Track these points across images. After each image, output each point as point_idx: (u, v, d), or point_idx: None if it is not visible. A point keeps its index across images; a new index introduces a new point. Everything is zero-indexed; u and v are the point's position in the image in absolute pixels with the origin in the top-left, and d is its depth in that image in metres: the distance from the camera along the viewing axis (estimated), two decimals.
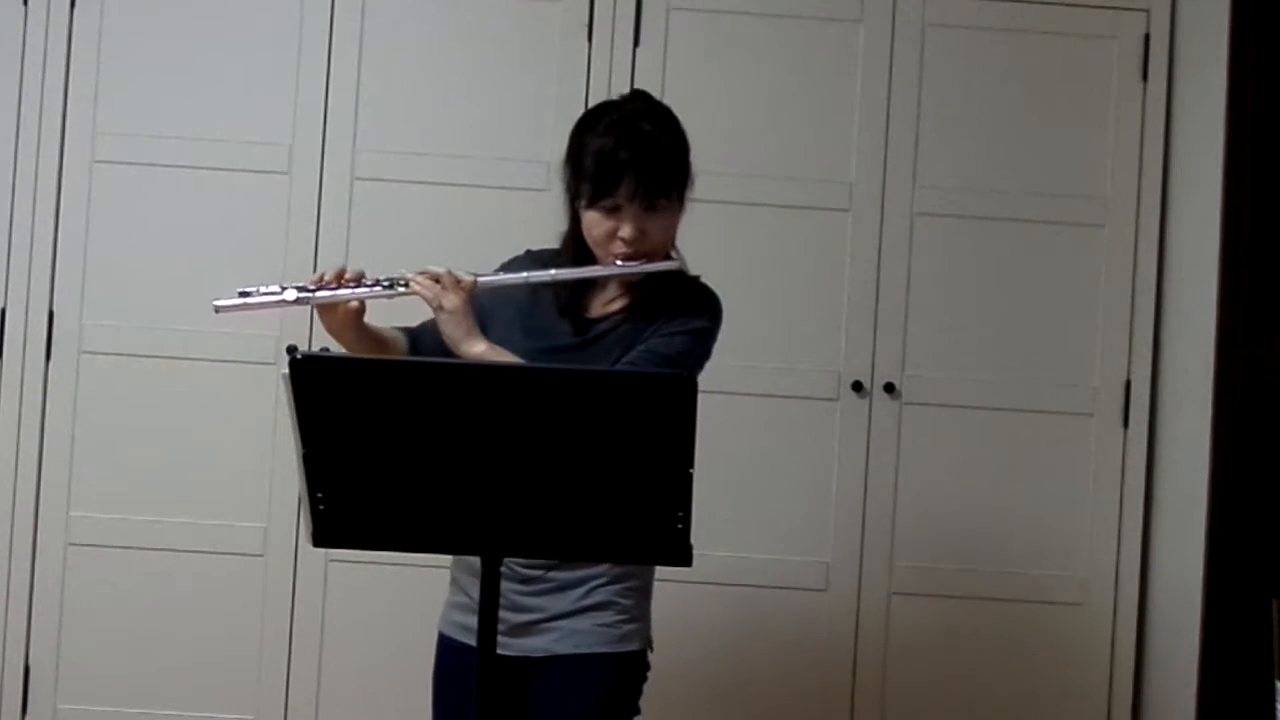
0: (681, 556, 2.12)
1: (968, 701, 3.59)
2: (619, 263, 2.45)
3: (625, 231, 2.43)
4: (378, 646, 3.55)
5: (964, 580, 3.59)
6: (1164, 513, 3.62)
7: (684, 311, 2.48)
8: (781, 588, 3.57)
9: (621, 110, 2.48)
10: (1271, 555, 3.54)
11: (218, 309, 2.45)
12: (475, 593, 2.47)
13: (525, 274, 2.49)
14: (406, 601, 3.53)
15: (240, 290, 2.44)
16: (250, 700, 3.55)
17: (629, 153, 2.40)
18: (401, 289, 2.43)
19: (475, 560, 2.46)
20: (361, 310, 2.46)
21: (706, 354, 2.52)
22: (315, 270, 3.53)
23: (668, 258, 2.50)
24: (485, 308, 2.52)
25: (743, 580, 3.54)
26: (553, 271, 2.49)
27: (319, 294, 2.42)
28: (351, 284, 2.43)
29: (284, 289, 2.43)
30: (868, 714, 3.57)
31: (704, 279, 2.58)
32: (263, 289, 2.44)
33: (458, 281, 2.42)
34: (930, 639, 3.59)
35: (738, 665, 3.54)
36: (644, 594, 2.54)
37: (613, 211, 2.43)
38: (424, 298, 2.42)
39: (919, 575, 3.59)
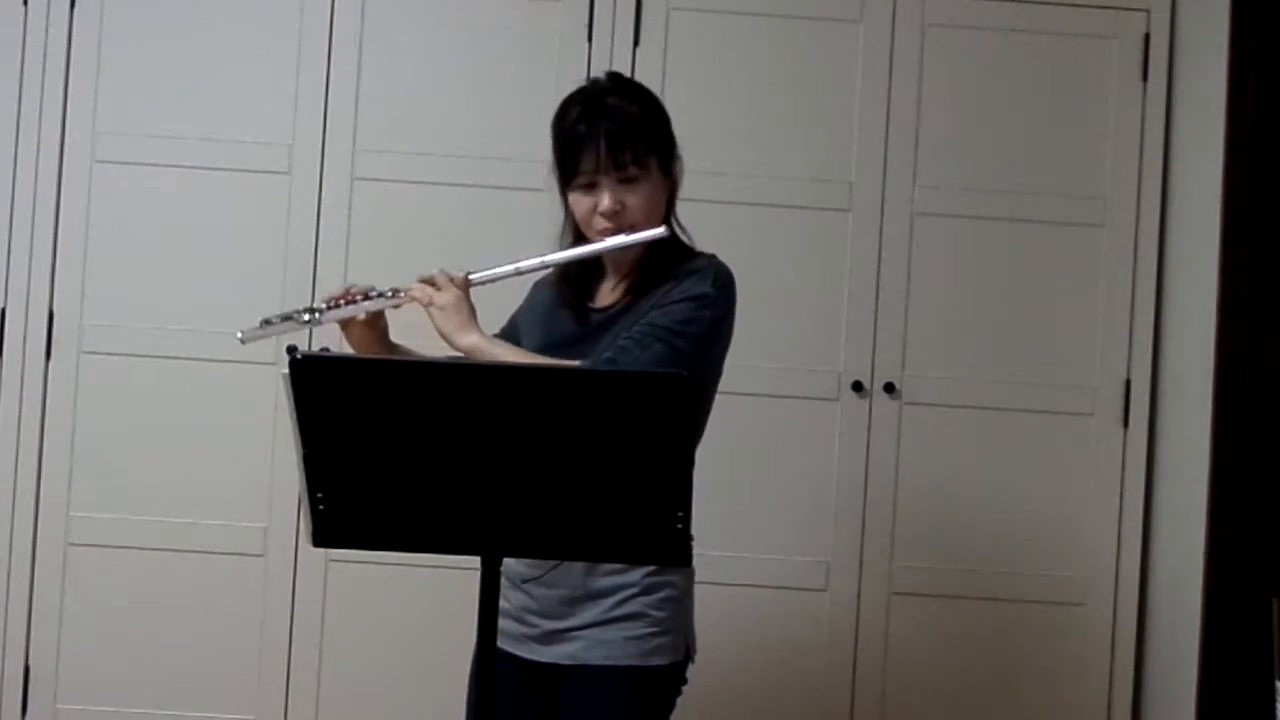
0: (681, 556, 2.12)
1: (967, 701, 3.59)
2: (606, 240, 2.46)
3: (603, 204, 2.45)
4: (378, 646, 3.55)
5: (964, 580, 3.59)
6: (1164, 513, 3.62)
7: (683, 280, 2.47)
8: (781, 588, 3.57)
9: (589, 91, 2.52)
10: (1271, 555, 3.54)
11: (243, 340, 2.51)
12: (514, 598, 2.50)
13: (514, 265, 2.50)
14: (406, 601, 3.53)
15: (262, 320, 2.50)
16: (250, 700, 3.55)
17: (591, 123, 2.44)
18: (401, 295, 2.48)
19: (513, 566, 2.48)
20: (377, 325, 2.52)
21: (716, 324, 2.48)
22: (315, 267, 3.57)
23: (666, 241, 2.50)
24: (520, 326, 2.64)
25: (743, 580, 3.54)
26: (542, 257, 2.51)
27: (329, 312, 2.49)
28: (359, 296, 2.48)
29: (299, 312, 2.52)
30: (868, 714, 3.57)
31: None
32: (278, 316, 2.51)
33: (450, 279, 2.47)
34: (930, 639, 3.59)
35: (737, 665, 3.54)
36: (680, 604, 2.49)
37: (590, 188, 2.46)
38: (417, 299, 2.45)
39: (919, 575, 3.59)
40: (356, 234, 3.58)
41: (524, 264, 2.50)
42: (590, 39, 3.59)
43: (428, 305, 2.45)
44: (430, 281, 2.47)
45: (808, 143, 3.62)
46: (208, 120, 3.58)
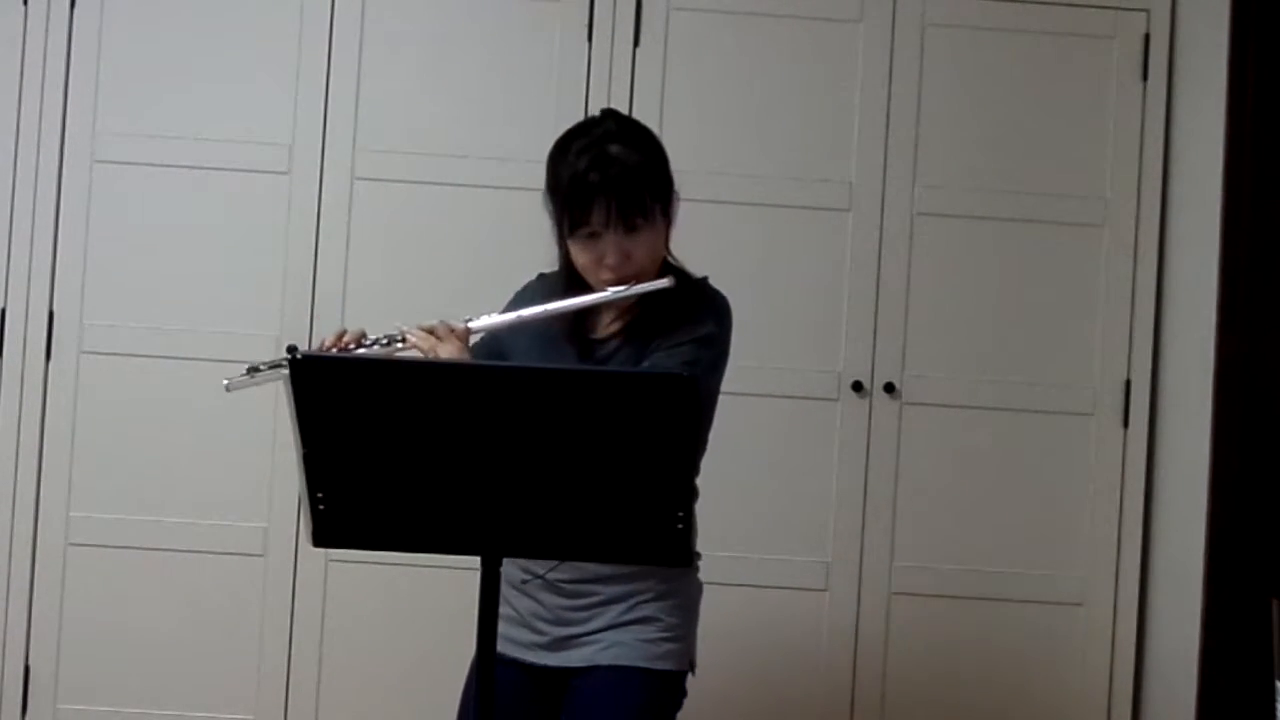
0: (681, 557, 2.12)
1: (967, 702, 3.59)
2: (609, 289, 2.44)
3: (609, 258, 2.42)
4: (378, 646, 3.55)
5: (964, 580, 3.59)
6: (1164, 513, 3.62)
7: (686, 321, 2.47)
8: (781, 588, 3.57)
9: (590, 134, 2.46)
10: (1271, 555, 3.54)
11: (228, 388, 2.45)
12: (517, 604, 2.49)
13: (516, 313, 2.49)
14: (406, 601, 3.53)
15: (249, 367, 2.44)
16: (250, 700, 3.55)
17: (599, 176, 2.39)
18: (399, 345, 2.44)
19: (514, 571, 2.47)
20: None
21: (719, 357, 2.50)
22: (315, 267, 3.57)
23: (663, 272, 2.48)
24: (505, 340, 2.56)
25: (743, 580, 3.54)
26: (545, 306, 2.48)
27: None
28: (353, 345, 2.43)
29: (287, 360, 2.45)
30: (867, 714, 3.57)
31: (712, 280, 2.56)
32: (266, 363, 2.43)
33: (451, 330, 2.44)
34: (930, 639, 3.59)
35: (737, 665, 3.54)
36: (688, 612, 2.50)
37: (593, 239, 2.43)
38: (419, 350, 2.43)
39: (919, 575, 3.59)
40: (356, 234, 3.58)
41: (526, 313, 2.48)
42: (590, 39, 3.59)
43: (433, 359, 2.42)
44: (430, 331, 2.44)
45: (808, 143, 3.62)
46: (208, 120, 3.58)
